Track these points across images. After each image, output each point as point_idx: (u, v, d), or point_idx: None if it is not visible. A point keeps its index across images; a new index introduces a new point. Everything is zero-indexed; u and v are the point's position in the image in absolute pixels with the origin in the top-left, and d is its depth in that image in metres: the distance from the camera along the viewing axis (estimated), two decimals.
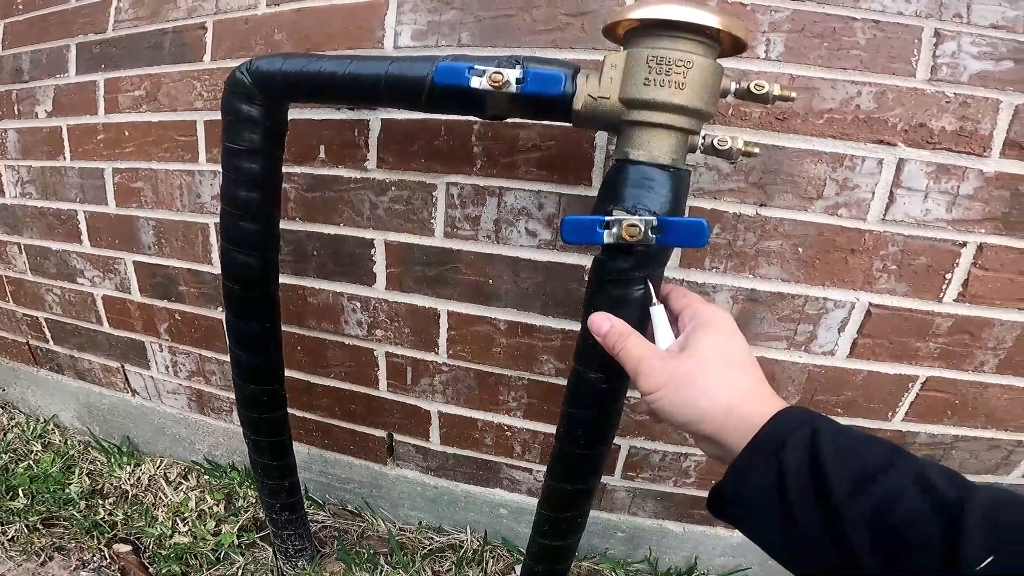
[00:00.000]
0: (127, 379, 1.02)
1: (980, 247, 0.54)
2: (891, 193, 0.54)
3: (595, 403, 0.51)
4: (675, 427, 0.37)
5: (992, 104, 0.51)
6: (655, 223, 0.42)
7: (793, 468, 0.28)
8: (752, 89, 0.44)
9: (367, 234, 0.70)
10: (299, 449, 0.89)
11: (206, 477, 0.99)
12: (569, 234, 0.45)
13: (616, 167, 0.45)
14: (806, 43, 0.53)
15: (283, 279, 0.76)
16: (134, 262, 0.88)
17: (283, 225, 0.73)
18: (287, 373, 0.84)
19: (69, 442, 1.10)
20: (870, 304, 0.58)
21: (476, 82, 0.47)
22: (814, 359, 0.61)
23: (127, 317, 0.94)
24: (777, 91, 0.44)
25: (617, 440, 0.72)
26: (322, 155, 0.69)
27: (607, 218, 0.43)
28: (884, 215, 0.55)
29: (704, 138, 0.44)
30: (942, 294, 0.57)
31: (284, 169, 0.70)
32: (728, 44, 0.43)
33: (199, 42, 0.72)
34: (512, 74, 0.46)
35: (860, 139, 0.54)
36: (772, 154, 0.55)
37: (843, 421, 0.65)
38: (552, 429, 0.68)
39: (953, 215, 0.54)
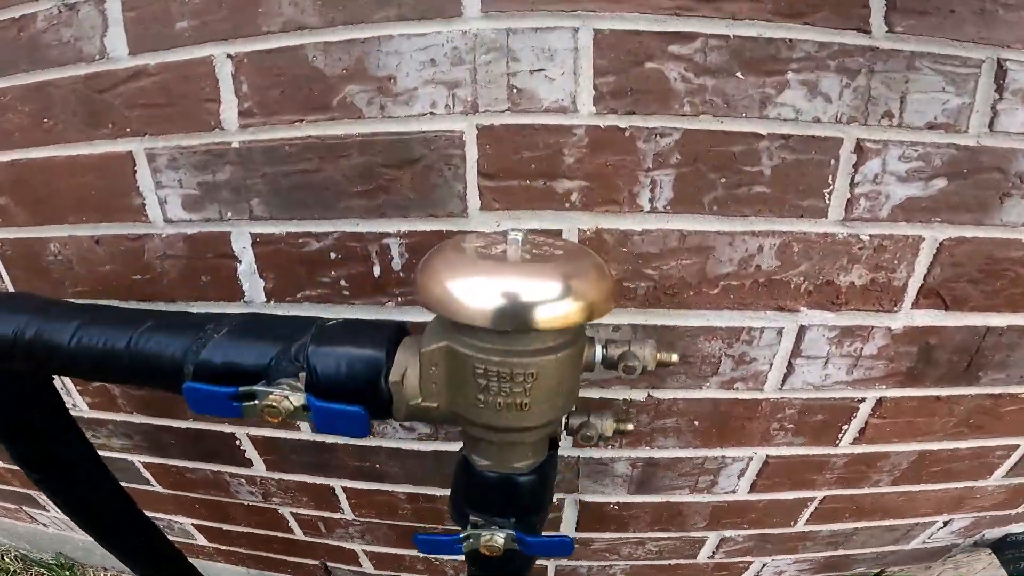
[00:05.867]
0: (32, 517, 0.95)
1: (879, 400, 0.51)
2: (789, 363, 0.49)
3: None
4: None
5: (913, 244, 0.44)
6: (514, 537, 0.36)
7: None
8: (622, 370, 0.33)
9: (225, 428, 0.60)
10: (238, 571, 0.88)
11: None
12: (427, 550, 0.40)
13: (463, 466, 0.37)
14: (700, 182, 0.42)
15: (146, 458, 0.67)
16: None
17: (120, 417, 0.62)
18: (198, 522, 0.79)
19: (5, 557, 1.07)
20: (767, 456, 0.56)
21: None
22: (717, 498, 0.61)
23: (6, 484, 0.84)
24: (651, 362, 0.34)
25: (542, 560, 0.73)
26: None
27: (462, 534, 0.37)
28: (782, 385, 0.50)
29: (568, 428, 0.36)
30: (839, 441, 0.54)
31: None
32: (588, 316, 0.32)
33: None
34: (296, 399, 0.31)
35: (759, 307, 0.46)
36: (662, 335, 0.47)
37: (748, 532, 0.68)
38: None
39: (854, 376, 0.50)
